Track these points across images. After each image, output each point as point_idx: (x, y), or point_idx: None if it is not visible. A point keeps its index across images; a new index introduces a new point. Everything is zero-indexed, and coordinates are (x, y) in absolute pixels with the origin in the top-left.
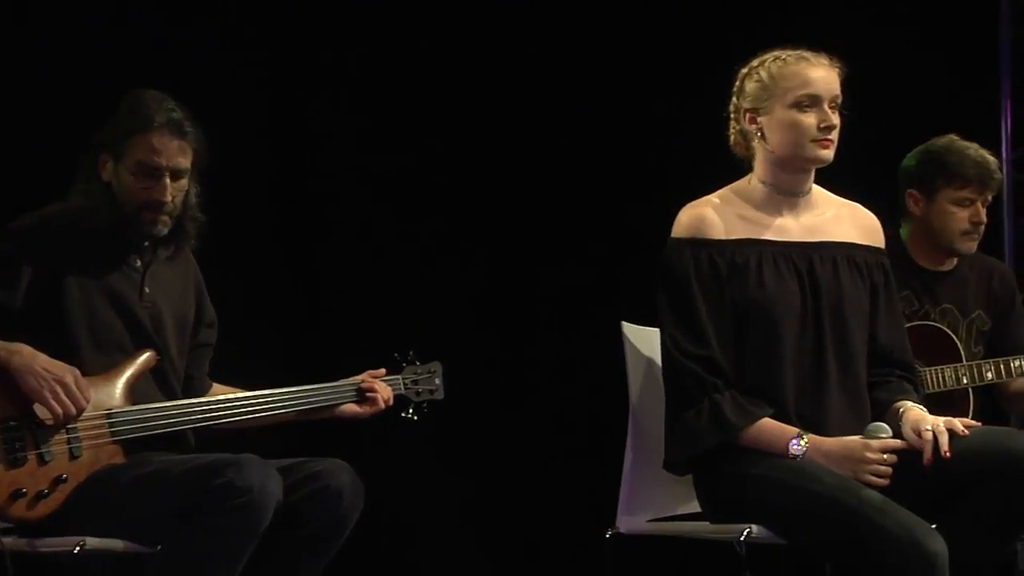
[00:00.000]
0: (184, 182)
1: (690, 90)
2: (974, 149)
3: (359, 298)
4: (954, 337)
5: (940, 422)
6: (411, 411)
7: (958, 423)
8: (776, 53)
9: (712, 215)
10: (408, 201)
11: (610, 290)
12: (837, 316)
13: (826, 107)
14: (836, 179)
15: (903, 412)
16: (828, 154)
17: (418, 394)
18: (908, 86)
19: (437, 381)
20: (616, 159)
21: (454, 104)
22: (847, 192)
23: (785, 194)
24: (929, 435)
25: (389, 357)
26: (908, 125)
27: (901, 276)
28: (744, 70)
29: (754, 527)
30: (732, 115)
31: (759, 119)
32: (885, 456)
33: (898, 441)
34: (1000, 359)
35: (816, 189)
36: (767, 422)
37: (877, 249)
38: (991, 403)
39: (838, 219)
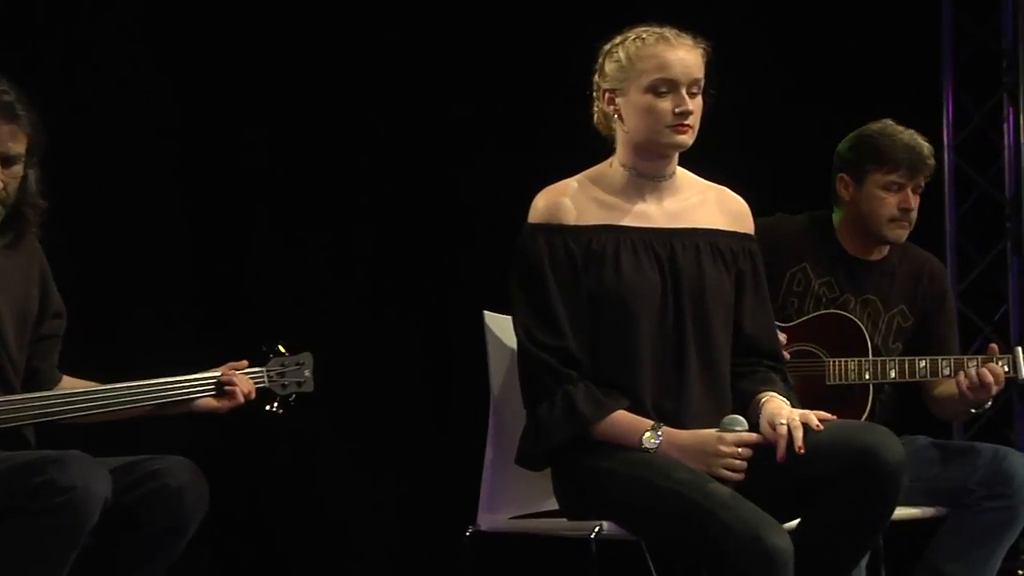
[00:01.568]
0: (18, 168)
1: (554, 72)
2: (908, 134)
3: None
4: (864, 330)
5: (796, 416)
6: (276, 405)
7: (813, 416)
8: (639, 31)
9: (568, 200)
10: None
11: (473, 277)
12: (698, 305)
13: (683, 92)
14: (777, 165)
15: (763, 404)
16: (685, 139)
17: (284, 387)
18: (850, 71)
19: (307, 373)
20: (479, 144)
21: (325, 95)
22: (791, 178)
23: (646, 178)
24: (783, 429)
25: (255, 350)
26: (849, 111)
27: (827, 262)
28: (606, 47)
29: (605, 523)
30: (594, 93)
31: (617, 100)
32: (740, 450)
33: (753, 435)
34: (905, 358)
35: (681, 172)
36: (621, 414)
37: (744, 235)
38: (920, 405)
39: (703, 204)
